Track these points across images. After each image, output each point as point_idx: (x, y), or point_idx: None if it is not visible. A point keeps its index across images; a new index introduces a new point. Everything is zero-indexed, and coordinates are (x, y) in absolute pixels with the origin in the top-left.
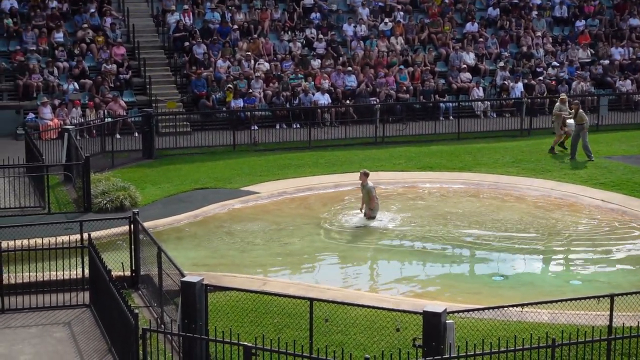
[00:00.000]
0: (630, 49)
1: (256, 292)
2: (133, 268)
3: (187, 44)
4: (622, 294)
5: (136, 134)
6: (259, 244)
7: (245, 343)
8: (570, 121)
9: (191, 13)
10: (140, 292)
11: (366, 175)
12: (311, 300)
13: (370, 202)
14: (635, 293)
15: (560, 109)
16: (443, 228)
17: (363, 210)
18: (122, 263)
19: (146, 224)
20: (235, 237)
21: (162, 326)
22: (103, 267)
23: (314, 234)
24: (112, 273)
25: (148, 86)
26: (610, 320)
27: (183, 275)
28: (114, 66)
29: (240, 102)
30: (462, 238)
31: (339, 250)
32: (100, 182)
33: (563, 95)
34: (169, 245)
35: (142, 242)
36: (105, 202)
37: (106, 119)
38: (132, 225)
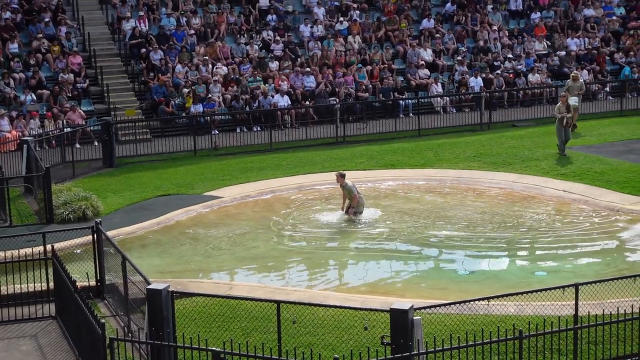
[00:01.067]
0: (586, 39)
1: (223, 296)
2: (98, 278)
3: (143, 50)
4: (586, 283)
5: (96, 143)
6: (224, 248)
7: (214, 348)
8: (573, 99)
9: (147, 19)
10: (106, 301)
11: (342, 176)
12: (278, 302)
13: (352, 200)
14: (600, 282)
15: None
16: (407, 225)
17: (344, 210)
18: (86, 273)
19: (109, 233)
20: (199, 242)
21: (130, 335)
22: (68, 278)
23: (278, 237)
24: (77, 283)
25: (106, 94)
26: (576, 309)
27: (149, 283)
28: (71, 75)
29: (199, 107)
30: (427, 235)
31: (304, 252)
32: (62, 192)
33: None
34: (134, 253)
35: (106, 252)
36: (67, 212)
37: (65, 129)
38: (95, 235)
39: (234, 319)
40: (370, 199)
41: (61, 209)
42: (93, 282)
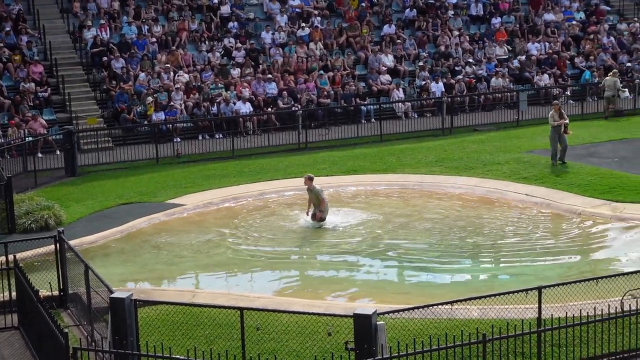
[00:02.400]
0: (546, 43)
1: (186, 304)
2: (61, 287)
3: (105, 59)
4: (549, 286)
5: (58, 152)
6: (187, 256)
7: (177, 356)
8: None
9: (108, 28)
10: (69, 311)
11: (311, 179)
12: (241, 309)
13: (320, 205)
14: (562, 284)
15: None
16: (369, 230)
17: (310, 214)
18: (49, 283)
19: (72, 242)
20: (162, 250)
21: (93, 344)
22: (30, 288)
23: (241, 244)
24: (39, 293)
25: (68, 103)
26: (539, 312)
27: (111, 292)
28: (32, 84)
29: (161, 115)
30: (389, 240)
31: (268, 259)
32: (24, 202)
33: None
34: (97, 262)
35: (69, 261)
36: (29, 222)
37: (27, 138)
38: (57, 244)
39: (197, 327)
40: (333, 205)
41: (23, 219)
42: (56, 292)
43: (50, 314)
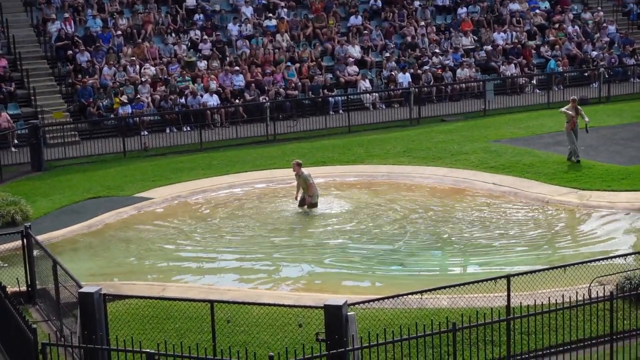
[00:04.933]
0: (512, 33)
1: (156, 298)
2: (29, 283)
3: (70, 52)
4: (517, 274)
5: (13, 149)
6: (156, 249)
7: (148, 350)
8: None
9: (72, 21)
10: (38, 306)
11: (299, 165)
12: (211, 302)
13: (309, 189)
14: (530, 272)
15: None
16: (339, 221)
17: (299, 198)
18: (17, 278)
19: (40, 237)
20: (131, 244)
21: (62, 339)
22: None
23: (210, 236)
24: (7, 289)
25: (33, 97)
26: (508, 300)
27: (80, 287)
28: None
29: (128, 108)
30: (358, 230)
31: (238, 251)
32: None
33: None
34: (65, 257)
35: (36, 256)
36: None
37: None
38: (24, 240)
39: (167, 320)
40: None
41: None
42: (24, 288)
43: (18, 310)
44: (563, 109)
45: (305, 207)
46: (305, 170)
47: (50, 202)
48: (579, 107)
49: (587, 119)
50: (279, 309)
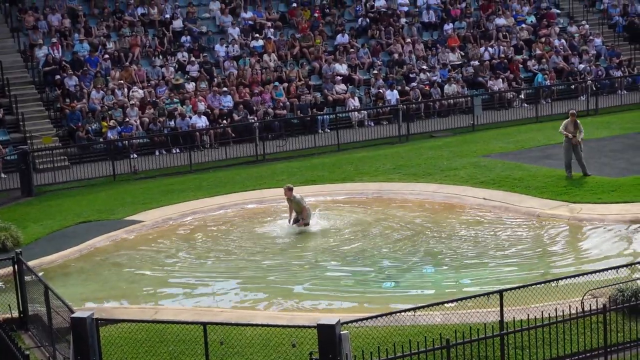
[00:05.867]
0: (499, 47)
1: (148, 321)
2: (21, 309)
3: (58, 77)
4: (510, 289)
5: (2, 175)
6: (148, 272)
7: None
8: None
9: (59, 46)
10: (30, 332)
11: (290, 189)
12: (204, 324)
13: (302, 213)
14: (523, 287)
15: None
16: (331, 240)
17: (292, 222)
18: (9, 305)
19: (31, 263)
20: (123, 268)
21: None
22: None
23: (202, 258)
24: None
25: (21, 123)
26: (501, 315)
27: (72, 312)
28: None
29: (115, 132)
30: (350, 249)
31: (230, 272)
32: None
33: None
34: (57, 282)
35: (28, 282)
36: None
37: None
38: (16, 266)
39: (161, 344)
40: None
41: None
42: (16, 314)
43: (10, 336)
44: (562, 129)
45: (297, 225)
46: (297, 194)
47: (41, 227)
48: (577, 121)
49: (582, 135)
50: (272, 329)
